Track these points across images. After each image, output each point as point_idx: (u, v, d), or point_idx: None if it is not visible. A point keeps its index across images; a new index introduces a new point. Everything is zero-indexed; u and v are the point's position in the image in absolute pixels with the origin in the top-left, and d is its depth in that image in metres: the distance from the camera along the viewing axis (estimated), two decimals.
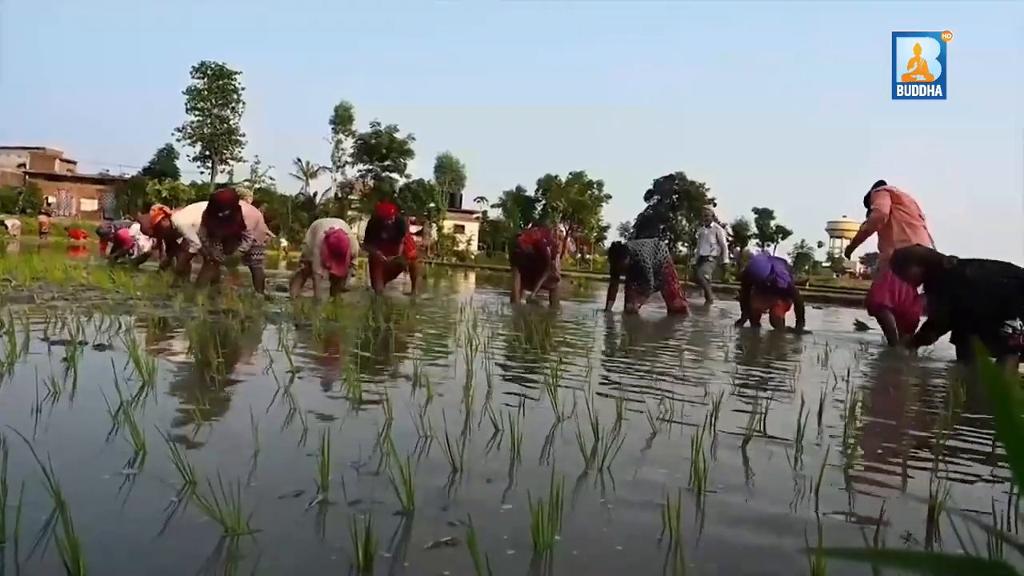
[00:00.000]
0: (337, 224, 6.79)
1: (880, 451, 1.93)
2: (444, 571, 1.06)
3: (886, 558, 0.39)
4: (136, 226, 11.29)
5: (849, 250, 6.70)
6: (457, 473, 1.50)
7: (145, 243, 10.60)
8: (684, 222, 54.62)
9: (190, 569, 1.02)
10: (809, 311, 6.79)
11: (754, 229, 63.20)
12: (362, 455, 1.57)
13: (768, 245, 62.79)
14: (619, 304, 7.22)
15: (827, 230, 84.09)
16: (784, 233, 65.28)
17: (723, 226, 11.56)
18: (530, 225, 41.75)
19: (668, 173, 56.90)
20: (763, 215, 64.22)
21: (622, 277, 7.41)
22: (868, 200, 5.79)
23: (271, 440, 1.65)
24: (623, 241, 7.77)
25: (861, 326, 7.29)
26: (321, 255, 6.34)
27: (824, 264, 74.24)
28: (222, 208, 6.37)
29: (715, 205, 57.49)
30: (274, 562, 1.06)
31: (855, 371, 3.49)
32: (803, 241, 72.81)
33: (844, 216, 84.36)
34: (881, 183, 5.79)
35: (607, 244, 56.87)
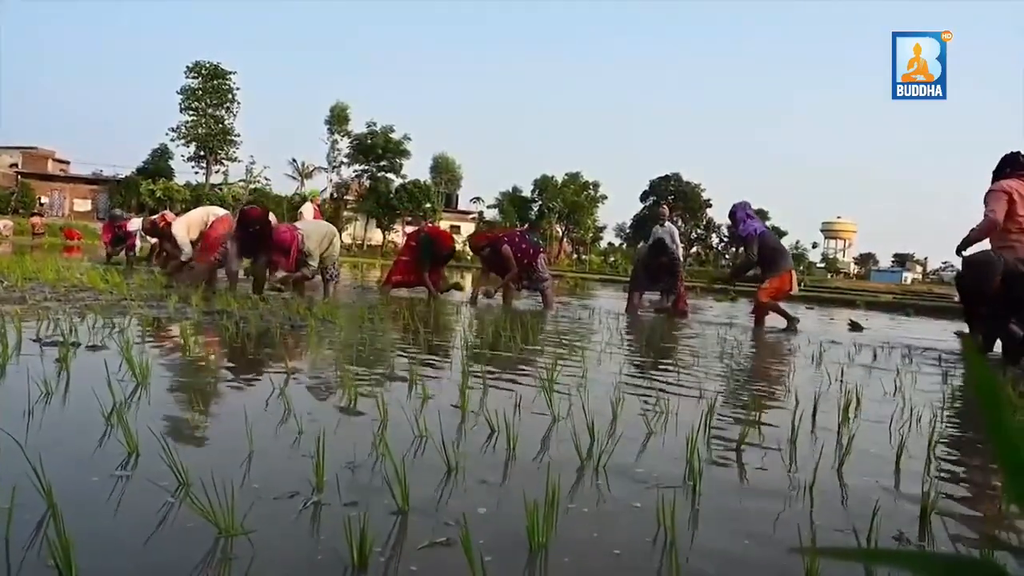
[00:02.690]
0: (299, 224, 7.09)
1: (873, 450, 1.93)
2: (439, 571, 1.06)
3: (876, 557, 0.39)
4: (137, 222, 11.32)
5: (960, 249, 5.51)
6: (452, 473, 1.50)
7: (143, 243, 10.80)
8: (680, 223, 54.73)
9: (183, 570, 1.02)
10: (802, 311, 6.84)
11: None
12: (357, 456, 1.56)
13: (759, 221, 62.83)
14: (602, 304, 7.22)
15: (822, 231, 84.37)
16: (779, 233, 65.38)
17: (677, 225, 11.71)
18: (526, 226, 41.81)
19: (664, 174, 57.06)
20: (758, 216, 64.35)
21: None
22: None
23: (266, 441, 1.65)
24: (663, 238, 7.76)
25: (855, 326, 7.33)
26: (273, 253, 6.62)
27: (819, 265, 74.48)
28: (252, 224, 6.40)
29: (710, 206, 57.75)
30: (268, 563, 1.05)
31: (848, 371, 3.50)
32: (798, 242, 73.03)
33: (838, 217, 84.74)
34: (1004, 166, 5.08)
35: (603, 245, 57.05)
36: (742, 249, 6.66)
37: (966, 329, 5.08)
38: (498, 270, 7.41)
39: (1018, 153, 5.13)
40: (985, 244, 5.14)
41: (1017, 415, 2.08)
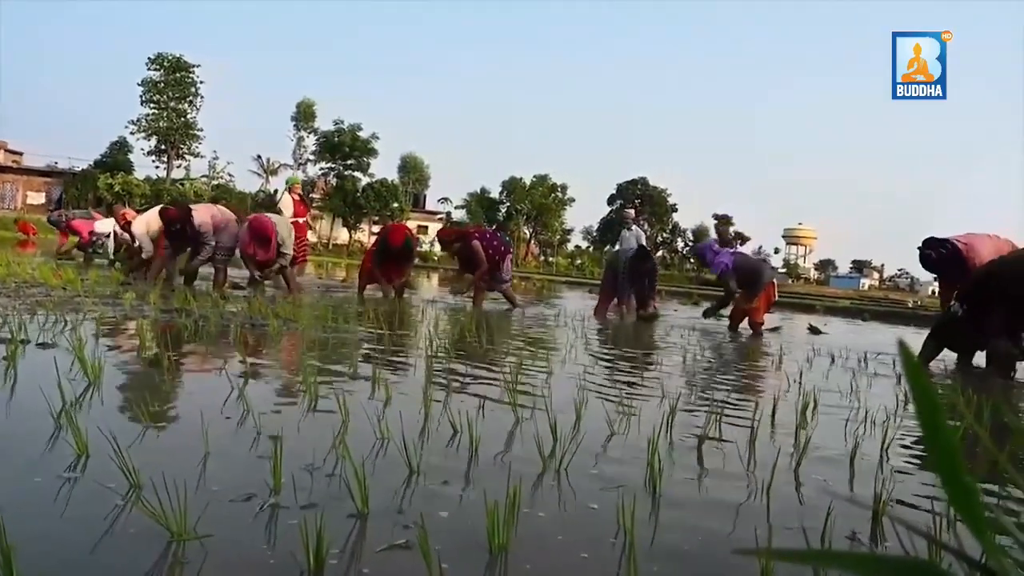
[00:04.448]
0: (269, 214, 7.06)
1: (829, 452, 1.98)
2: (396, 574, 1.05)
3: (821, 559, 0.40)
4: (108, 222, 10.98)
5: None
6: (414, 475, 1.48)
7: (114, 239, 10.45)
8: (647, 227, 55.31)
9: (133, 575, 0.99)
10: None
11: (714, 235, 64.40)
12: (317, 457, 1.54)
13: (727, 250, 63.99)
14: (575, 305, 7.25)
15: (783, 237, 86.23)
16: (743, 239, 66.71)
17: (643, 228, 11.94)
18: (495, 227, 41.83)
19: (631, 178, 57.67)
20: (723, 221, 65.52)
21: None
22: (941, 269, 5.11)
23: (222, 443, 1.61)
24: (645, 246, 7.84)
25: (814, 330, 7.52)
26: (243, 242, 6.62)
27: (780, 270, 76.17)
28: (172, 224, 6.63)
29: (676, 210, 58.55)
30: (221, 567, 1.03)
31: (807, 374, 3.58)
32: (760, 247, 74.52)
33: (800, 223, 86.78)
34: (943, 251, 5.02)
35: (570, 247, 57.38)
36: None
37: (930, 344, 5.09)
38: (469, 266, 7.37)
39: (931, 239, 5.14)
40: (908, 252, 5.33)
41: (961, 421, 2.14)
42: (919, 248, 5.16)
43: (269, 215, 6.97)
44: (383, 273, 7.38)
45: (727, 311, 6.75)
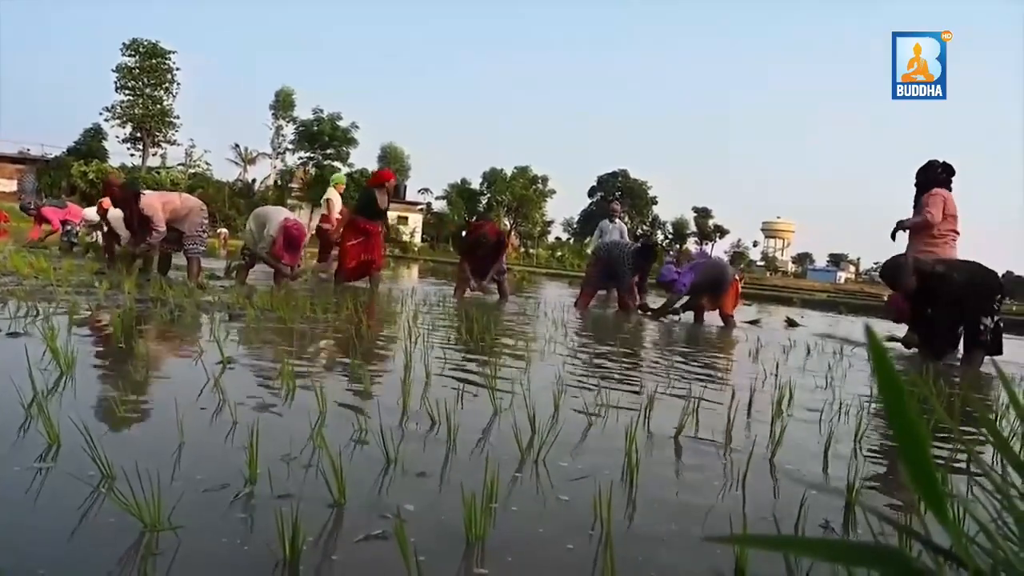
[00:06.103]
0: (292, 214, 6.98)
1: (804, 443, 2.01)
2: (372, 564, 1.05)
3: (792, 545, 0.41)
4: (90, 211, 10.79)
5: (894, 232, 5.71)
6: (391, 466, 1.48)
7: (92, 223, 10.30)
8: (627, 219, 55.61)
9: (105, 566, 0.98)
10: (740, 307, 7.07)
11: (693, 228, 64.94)
12: (293, 448, 1.53)
13: (706, 244, 64.69)
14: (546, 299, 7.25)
15: (762, 230, 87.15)
16: (722, 232, 67.36)
17: (625, 222, 11.99)
18: (475, 218, 41.73)
19: (612, 170, 57.90)
20: (702, 214, 66.07)
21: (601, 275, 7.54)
22: (920, 188, 5.42)
23: (198, 433, 1.59)
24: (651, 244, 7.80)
25: (791, 323, 7.62)
26: (276, 244, 6.52)
27: (758, 263, 77.03)
28: (116, 203, 6.57)
29: (656, 203, 58.90)
30: (195, 557, 1.02)
31: (784, 366, 3.62)
32: (739, 240, 75.40)
33: (778, 217, 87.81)
34: (939, 173, 5.37)
35: (551, 239, 57.46)
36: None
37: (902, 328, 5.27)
38: (481, 263, 7.36)
39: (950, 165, 5.45)
40: (900, 247, 5.49)
41: (932, 410, 2.18)
42: (936, 161, 5.29)
43: (299, 219, 6.93)
44: (472, 269, 7.34)
45: (680, 310, 6.82)
